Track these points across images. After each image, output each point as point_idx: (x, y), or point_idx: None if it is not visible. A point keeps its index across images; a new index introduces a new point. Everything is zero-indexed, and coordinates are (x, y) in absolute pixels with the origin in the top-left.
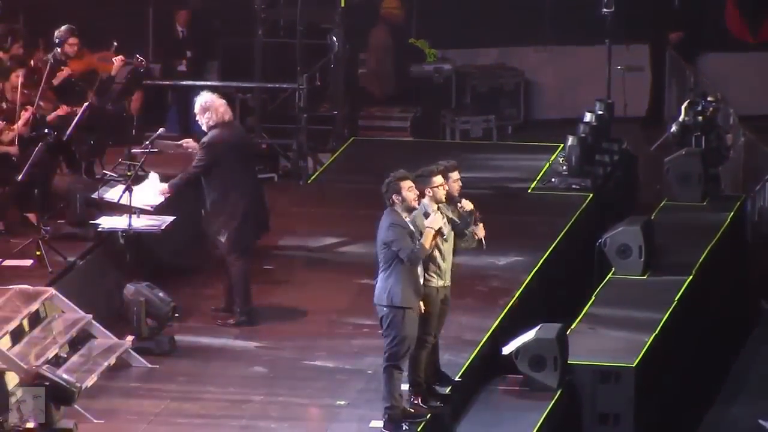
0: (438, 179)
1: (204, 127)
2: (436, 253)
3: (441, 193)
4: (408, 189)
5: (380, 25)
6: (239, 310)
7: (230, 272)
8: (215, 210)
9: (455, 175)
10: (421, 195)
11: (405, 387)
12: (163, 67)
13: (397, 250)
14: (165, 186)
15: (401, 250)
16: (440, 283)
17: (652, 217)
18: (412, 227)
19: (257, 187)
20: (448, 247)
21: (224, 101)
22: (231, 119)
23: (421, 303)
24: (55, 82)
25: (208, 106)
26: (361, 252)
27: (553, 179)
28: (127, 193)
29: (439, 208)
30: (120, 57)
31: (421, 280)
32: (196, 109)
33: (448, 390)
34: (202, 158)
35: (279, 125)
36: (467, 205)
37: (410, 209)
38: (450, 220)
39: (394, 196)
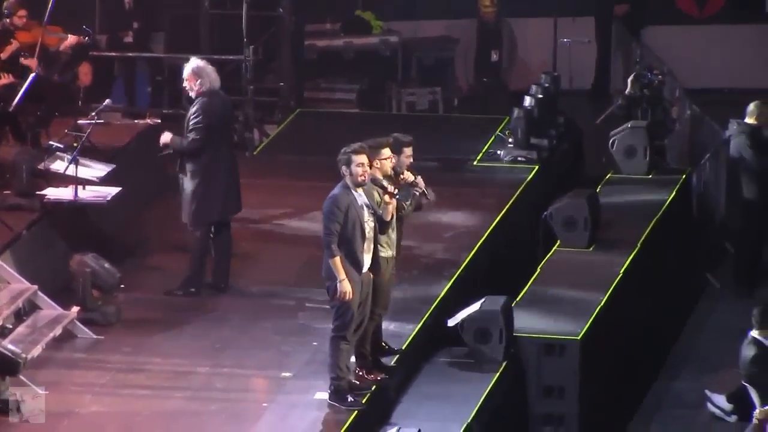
0: (386, 152)
1: (192, 94)
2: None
3: (388, 166)
4: (357, 164)
5: (474, 20)
6: (188, 281)
7: (191, 243)
8: (192, 180)
9: (408, 151)
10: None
11: (351, 359)
12: (109, 38)
13: (323, 228)
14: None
15: (324, 231)
16: (389, 253)
17: (598, 190)
18: (360, 200)
19: (234, 161)
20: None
21: (214, 68)
22: (219, 87)
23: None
24: (4, 55)
25: (200, 73)
26: (307, 224)
27: (498, 151)
28: (73, 164)
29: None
30: (73, 36)
31: (369, 255)
32: (186, 74)
33: (393, 362)
34: (201, 129)
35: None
36: (409, 176)
37: (358, 184)
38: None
39: (343, 168)
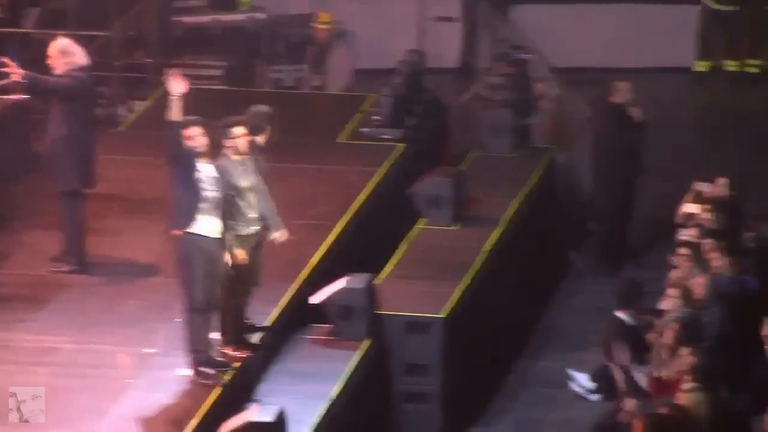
0: (238, 130)
1: (59, 71)
2: (242, 203)
3: (243, 144)
4: (190, 137)
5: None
6: (71, 257)
7: (62, 217)
8: (56, 150)
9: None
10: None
11: (216, 336)
12: None
13: None
14: (23, 71)
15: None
16: (248, 231)
17: (463, 168)
18: (211, 173)
19: (94, 137)
20: (254, 198)
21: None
22: (87, 65)
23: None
24: None
25: (67, 51)
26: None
27: (365, 129)
28: None
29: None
30: None
31: (217, 230)
32: (53, 51)
33: (257, 339)
34: (69, 82)
35: (93, 73)
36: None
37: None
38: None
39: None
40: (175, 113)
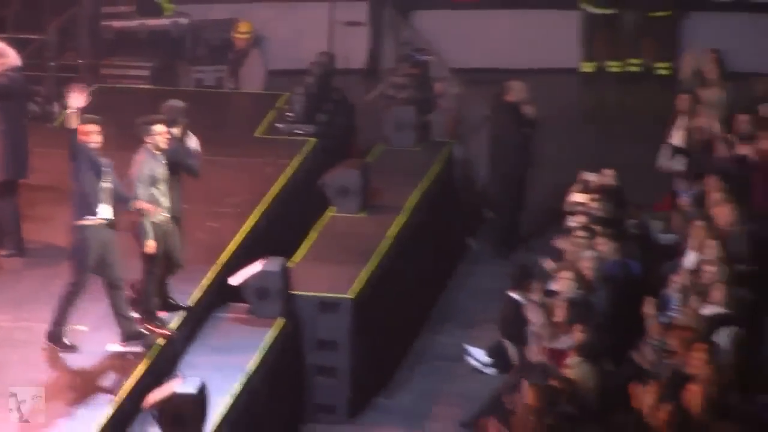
0: (158, 128)
1: None
2: (156, 191)
3: (162, 140)
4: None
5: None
6: (9, 242)
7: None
8: None
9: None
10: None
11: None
12: None
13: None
14: None
15: None
16: (161, 218)
17: (369, 161)
18: (107, 166)
19: (26, 132)
20: (165, 187)
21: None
22: (19, 66)
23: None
24: None
25: (1, 53)
26: None
27: (279, 125)
28: None
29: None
30: None
31: (111, 217)
32: None
33: (179, 317)
34: (5, 81)
35: (28, 73)
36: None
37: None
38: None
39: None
40: (74, 123)
